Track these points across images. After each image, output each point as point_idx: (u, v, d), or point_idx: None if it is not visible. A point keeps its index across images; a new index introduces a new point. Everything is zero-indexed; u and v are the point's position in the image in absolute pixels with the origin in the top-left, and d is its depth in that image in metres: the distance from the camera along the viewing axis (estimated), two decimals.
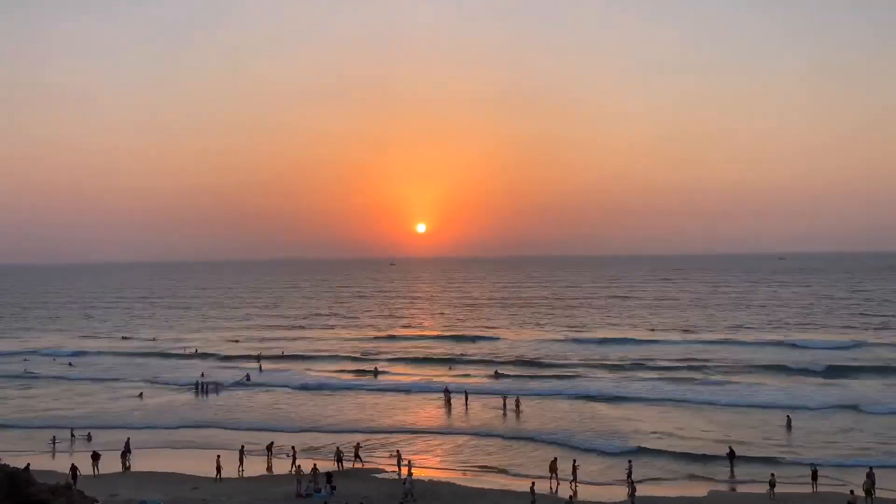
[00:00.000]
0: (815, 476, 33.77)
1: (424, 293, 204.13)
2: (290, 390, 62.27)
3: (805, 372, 64.02)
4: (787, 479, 34.50)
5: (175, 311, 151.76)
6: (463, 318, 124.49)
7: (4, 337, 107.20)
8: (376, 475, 37.41)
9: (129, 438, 41.77)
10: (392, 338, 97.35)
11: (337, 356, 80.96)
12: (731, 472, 36.88)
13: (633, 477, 33.70)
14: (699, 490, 34.15)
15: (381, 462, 39.97)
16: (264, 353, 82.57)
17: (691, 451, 40.50)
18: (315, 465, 35.73)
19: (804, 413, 48.47)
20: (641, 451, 40.80)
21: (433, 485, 34.28)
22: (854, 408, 49.47)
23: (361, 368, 72.27)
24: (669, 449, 41.13)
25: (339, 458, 38.78)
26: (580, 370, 68.61)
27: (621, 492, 33.61)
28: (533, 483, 32.69)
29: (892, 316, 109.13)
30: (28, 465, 27.43)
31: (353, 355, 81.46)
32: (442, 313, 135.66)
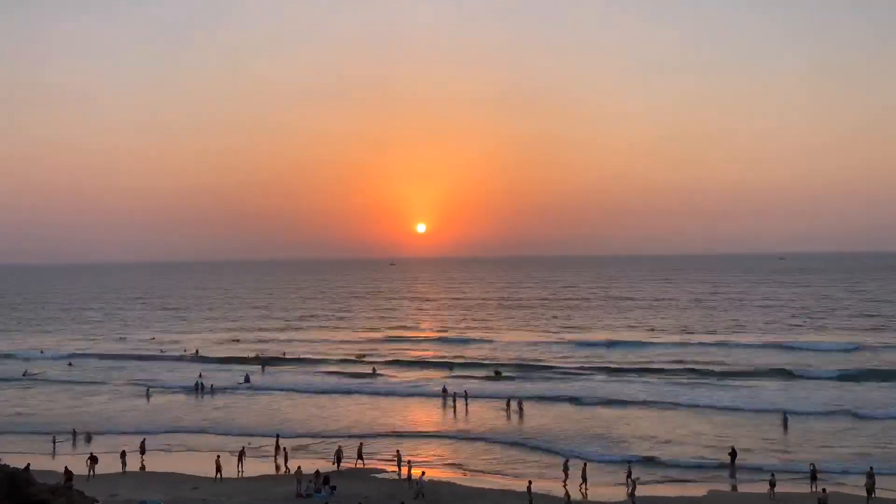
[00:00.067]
0: (814, 476, 33.83)
1: (424, 294, 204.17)
2: (289, 392, 62.24)
3: (805, 374, 63.96)
4: (787, 479, 34.51)
5: (174, 311, 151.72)
6: (463, 318, 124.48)
7: (4, 337, 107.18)
8: (376, 475, 37.44)
9: (144, 439, 42.56)
10: (391, 339, 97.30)
11: (336, 357, 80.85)
12: (732, 472, 36.92)
13: (633, 477, 33.75)
14: (699, 490, 34.18)
15: (382, 462, 39.98)
16: (263, 354, 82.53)
17: (691, 452, 40.54)
18: (318, 470, 35.65)
19: (803, 414, 48.40)
20: (641, 450, 40.85)
21: (433, 485, 34.30)
22: (853, 409, 49.34)
23: (360, 371, 72.13)
24: (669, 449, 41.16)
25: (338, 459, 38.78)
26: (580, 372, 68.63)
27: (621, 492, 33.65)
28: (530, 482, 32.71)
29: (893, 317, 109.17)
30: (28, 465, 27.44)
31: (351, 356, 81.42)
32: (441, 314, 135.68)
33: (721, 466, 37.68)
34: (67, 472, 34.35)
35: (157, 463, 40.60)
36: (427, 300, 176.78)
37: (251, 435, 46.36)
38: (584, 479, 34.44)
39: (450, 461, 40.64)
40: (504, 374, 68.18)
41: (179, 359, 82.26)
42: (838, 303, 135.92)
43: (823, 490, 31.06)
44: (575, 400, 55.23)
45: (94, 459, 38.12)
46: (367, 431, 47.15)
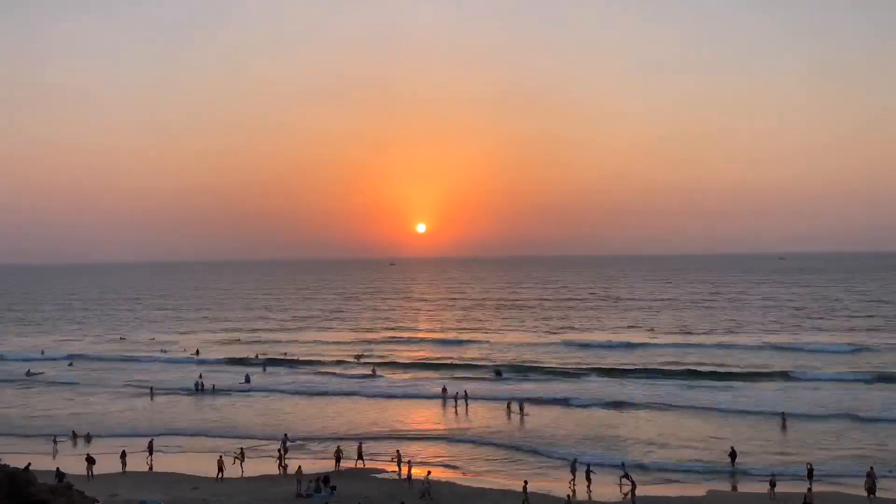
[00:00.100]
0: (810, 474, 33.97)
1: (424, 294, 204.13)
2: (289, 392, 62.26)
3: (804, 375, 63.90)
4: (787, 479, 34.52)
5: (174, 311, 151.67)
6: (462, 319, 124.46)
7: (4, 338, 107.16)
8: (376, 475, 37.45)
9: (152, 440, 42.53)
10: (391, 339, 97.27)
11: (336, 358, 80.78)
12: (732, 472, 36.93)
13: (633, 477, 33.76)
14: (699, 490, 34.20)
15: (382, 462, 39.99)
16: (263, 354, 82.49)
17: (691, 452, 40.56)
18: (320, 476, 35.64)
19: (803, 415, 48.41)
20: (641, 451, 40.89)
21: (433, 485, 34.26)
22: (853, 411, 49.28)
23: (360, 371, 72.13)
24: (669, 450, 41.21)
25: (337, 459, 38.77)
26: (579, 372, 68.65)
27: (621, 491, 33.66)
28: (525, 482, 32.83)
29: (893, 317, 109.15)
30: (28, 465, 27.41)
31: (351, 357, 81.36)
32: (441, 314, 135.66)
33: (721, 467, 37.68)
34: (59, 473, 34.23)
35: (158, 463, 40.62)
36: (427, 300, 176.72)
37: (251, 437, 46.38)
38: (589, 479, 34.49)
39: (450, 461, 40.63)
40: (505, 374, 68.16)
41: (180, 359, 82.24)
42: (838, 303, 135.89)
43: (809, 489, 31.22)
44: (575, 401, 55.16)
45: (90, 460, 38.06)
46: (367, 432, 47.17)
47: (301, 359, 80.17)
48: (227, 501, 32.82)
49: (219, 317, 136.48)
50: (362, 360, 78.65)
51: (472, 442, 44.55)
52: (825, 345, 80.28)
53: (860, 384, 59.31)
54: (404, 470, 36.34)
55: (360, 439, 43.30)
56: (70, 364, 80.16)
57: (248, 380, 66.55)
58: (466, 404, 54.60)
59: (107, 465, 38.77)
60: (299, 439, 45.31)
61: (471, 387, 60.24)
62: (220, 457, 37.96)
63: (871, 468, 32.74)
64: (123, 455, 39.53)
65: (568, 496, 32.77)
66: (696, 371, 66.97)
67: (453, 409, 53.81)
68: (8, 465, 24.43)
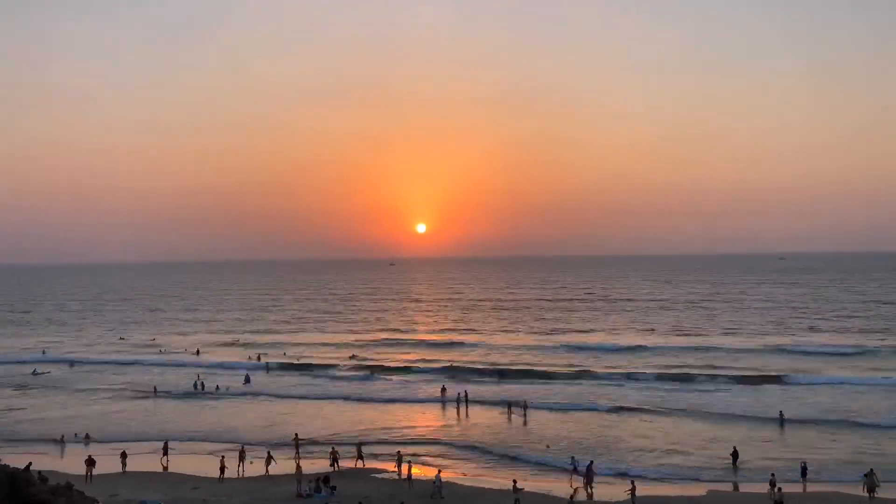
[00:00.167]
0: (804, 472, 34.25)
1: (424, 295, 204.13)
2: (289, 392, 62.28)
3: (804, 376, 63.87)
4: (787, 479, 34.53)
5: (174, 311, 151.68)
6: (462, 320, 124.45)
7: (4, 338, 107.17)
8: (376, 475, 37.46)
9: (166, 441, 42.49)
10: (390, 340, 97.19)
11: (335, 358, 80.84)
12: (733, 472, 36.98)
13: (633, 477, 33.81)
14: (699, 490, 34.23)
15: (381, 462, 40.00)
16: (263, 355, 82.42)
17: (691, 453, 40.59)
18: (321, 476, 35.62)
19: (803, 416, 48.41)
20: (641, 451, 40.92)
21: (432, 485, 34.27)
22: (853, 412, 49.32)
23: (359, 373, 72.11)
24: (669, 451, 41.20)
25: (335, 459, 38.72)
26: (579, 373, 68.64)
27: (621, 492, 33.67)
28: (514, 481, 33.18)
29: (893, 318, 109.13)
30: (29, 465, 27.39)
31: (350, 357, 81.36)
32: (441, 315, 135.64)
33: (721, 466, 37.72)
34: (42, 478, 33.82)
35: (157, 463, 40.58)
36: (426, 301, 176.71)
37: (251, 438, 46.38)
38: (590, 479, 34.53)
39: (450, 462, 40.63)
40: (504, 375, 68.17)
41: (179, 359, 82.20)
42: (838, 304, 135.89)
43: (779, 489, 31.44)
44: (574, 402, 55.15)
45: (91, 462, 37.99)
46: (367, 432, 47.17)
47: (301, 359, 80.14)
48: (226, 501, 32.84)
49: (219, 317, 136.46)
50: (360, 362, 78.59)
51: (472, 443, 44.52)
52: (825, 345, 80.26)
53: (860, 385, 59.25)
54: (404, 470, 36.36)
55: (360, 440, 43.35)
56: (71, 365, 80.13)
57: (247, 380, 66.57)
58: (466, 405, 54.60)
59: (107, 465, 38.76)
60: (300, 440, 45.37)
61: (471, 388, 60.26)
62: (223, 457, 37.98)
63: (871, 469, 32.73)
64: (124, 455, 39.53)
65: (570, 496, 32.81)
66: (696, 371, 66.90)
67: (453, 411, 53.81)
68: (8, 466, 24.43)
